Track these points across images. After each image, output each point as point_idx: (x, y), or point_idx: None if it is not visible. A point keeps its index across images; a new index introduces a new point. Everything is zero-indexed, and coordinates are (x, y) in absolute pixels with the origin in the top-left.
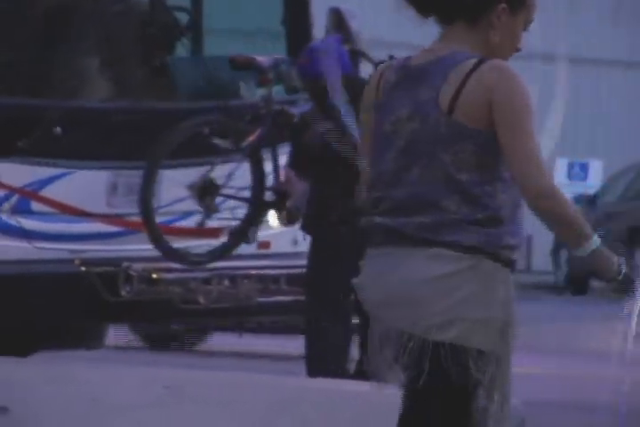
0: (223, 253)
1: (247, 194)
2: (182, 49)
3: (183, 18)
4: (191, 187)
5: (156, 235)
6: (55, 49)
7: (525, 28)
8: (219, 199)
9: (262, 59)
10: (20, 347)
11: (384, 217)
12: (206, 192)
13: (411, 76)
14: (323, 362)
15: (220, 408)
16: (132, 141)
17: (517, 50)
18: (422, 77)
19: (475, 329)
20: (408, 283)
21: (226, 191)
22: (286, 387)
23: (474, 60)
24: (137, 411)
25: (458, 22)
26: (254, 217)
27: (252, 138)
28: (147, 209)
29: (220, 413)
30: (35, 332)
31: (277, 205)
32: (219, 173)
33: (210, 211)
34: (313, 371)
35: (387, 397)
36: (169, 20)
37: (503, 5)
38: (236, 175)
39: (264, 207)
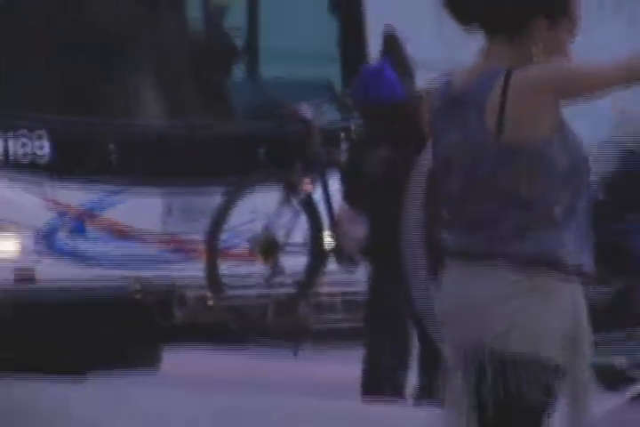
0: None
1: (307, 246)
2: (238, 71)
3: (239, 39)
4: (253, 242)
5: (213, 265)
6: (116, 72)
7: (570, 41)
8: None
9: (305, 108)
10: (78, 368)
11: (453, 235)
12: (269, 252)
13: (453, 100)
14: (379, 386)
15: None
16: (189, 164)
17: None
18: (465, 101)
19: (534, 337)
20: (472, 294)
21: (287, 248)
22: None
23: (503, 73)
24: None
25: (498, 36)
26: (316, 269)
27: (304, 188)
28: (214, 239)
29: None
30: (92, 354)
31: (336, 252)
32: (278, 224)
33: (275, 271)
34: (368, 395)
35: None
36: (226, 42)
37: (543, 18)
38: (294, 227)
39: (324, 257)
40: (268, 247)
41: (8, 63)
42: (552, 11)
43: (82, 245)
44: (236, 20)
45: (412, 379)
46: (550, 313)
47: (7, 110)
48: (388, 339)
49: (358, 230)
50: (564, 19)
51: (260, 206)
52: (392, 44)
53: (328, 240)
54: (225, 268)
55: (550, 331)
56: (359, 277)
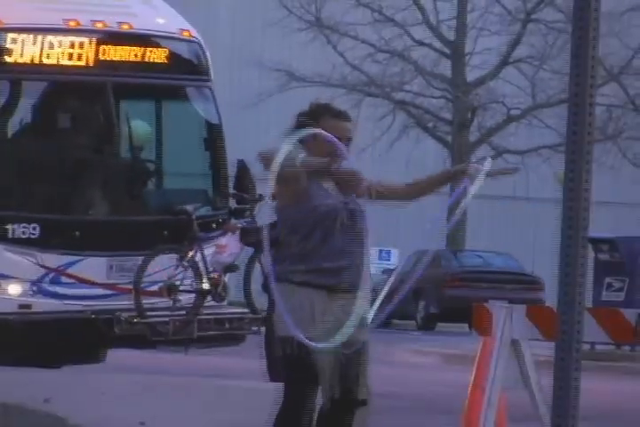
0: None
1: (193, 287)
2: (151, 184)
3: (152, 165)
4: (161, 285)
5: (138, 298)
6: (76, 186)
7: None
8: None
9: (189, 208)
10: (55, 362)
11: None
12: (171, 291)
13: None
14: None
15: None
16: (123, 241)
17: None
18: None
19: None
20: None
21: (181, 289)
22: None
23: None
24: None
25: None
26: (199, 300)
27: (190, 254)
28: (138, 283)
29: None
30: (64, 353)
31: (211, 291)
32: (175, 275)
33: (175, 302)
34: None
35: None
36: (144, 167)
37: None
38: (185, 276)
39: (204, 294)
40: (170, 288)
41: (18, 184)
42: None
43: (59, 288)
44: (149, 153)
45: None
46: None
47: (15, 212)
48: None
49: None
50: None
51: (164, 265)
52: (242, 167)
53: (205, 284)
54: (145, 300)
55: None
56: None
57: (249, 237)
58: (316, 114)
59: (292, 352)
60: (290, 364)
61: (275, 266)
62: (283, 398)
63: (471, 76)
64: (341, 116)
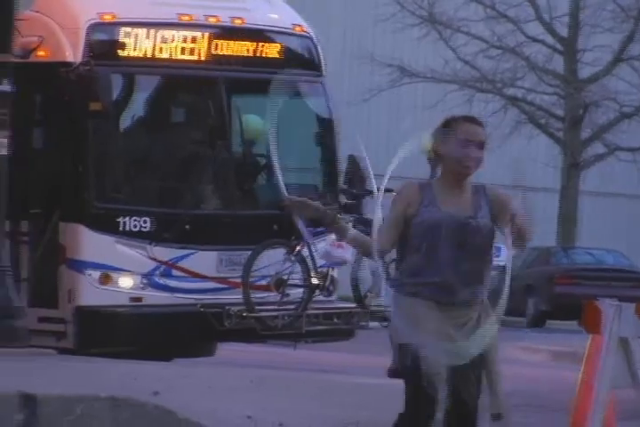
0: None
1: (301, 282)
2: (262, 179)
3: (263, 159)
4: (270, 280)
5: (247, 293)
6: (190, 180)
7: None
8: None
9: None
10: (165, 355)
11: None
12: (279, 285)
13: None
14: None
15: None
16: (233, 236)
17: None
18: None
19: None
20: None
21: (291, 283)
22: None
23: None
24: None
25: None
26: (307, 295)
27: (298, 248)
28: (246, 277)
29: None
30: (174, 346)
31: (320, 286)
32: (283, 269)
33: (284, 296)
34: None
35: None
36: (255, 161)
37: None
38: (293, 271)
39: (312, 289)
40: (279, 283)
41: (131, 177)
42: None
43: (169, 281)
44: (261, 147)
45: None
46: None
47: (128, 205)
48: None
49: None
50: (448, 144)
51: (272, 259)
52: (353, 163)
53: (313, 278)
54: (253, 294)
55: None
56: (334, 300)
57: (363, 228)
58: (450, 120)
59: (408, 361)
60: (407, 372)
61: (394, 277)
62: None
63: (584, 72)
64: (474, 120)
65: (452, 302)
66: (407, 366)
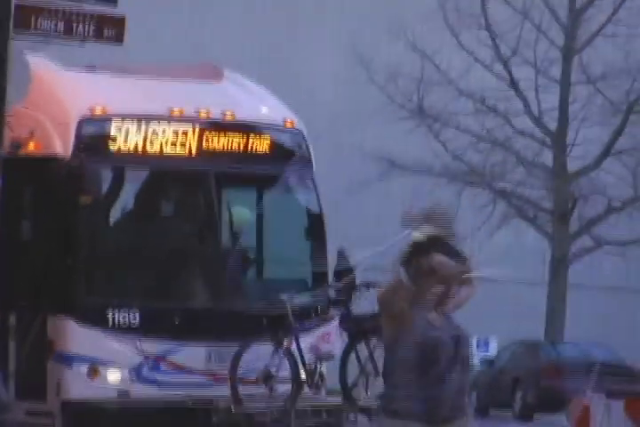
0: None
1: (289, 377)
2: (250, 273)
3: (252, 252)
4: (258, 375)
5: (235, 387)
6: (177, 272)
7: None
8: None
9: (284, 298)
10: None
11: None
12: (268, 380)
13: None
14: None
15: None
16: (221, 330)
17: None
18: None
19: None
20: None
21: (279, 378)
22: None
23: None
24: None
25: None
26: (296, 390)
27: (286, 343)
28: (234, 372)
29: None
30: None
31: (308, 381)
32: (271, 364)
33: (272, 391)
34: None
35: None
36: (243, 253)
37: None
38: (281, 366)
39: (300, 384)
40: (267, 377)
41: (120, 271)
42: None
43: (158, 376)
44: (249, 241)
45: None
46: None
47: (117, 299)
48: None
49: None
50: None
51: (260, 354)
52: (342, 255)
53: (302, 374)
54: (243, 390)
55: None
56: (322, 396)
57: (349, 323)
58: (427, 247)
59: None
60: None
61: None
62: None
63: (572, 166)
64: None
65: (441, 417)
66: None
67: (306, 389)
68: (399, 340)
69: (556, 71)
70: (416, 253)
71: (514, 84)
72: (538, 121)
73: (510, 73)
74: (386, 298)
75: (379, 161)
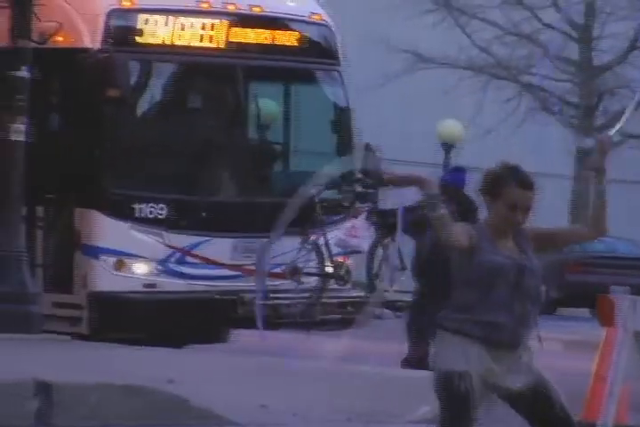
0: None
1: (316, 270)
2: (278, 165)
3: (280, 145)
4: (285, 267)
5: (261, 280)
6: (206, 169)
7: (513, 215)
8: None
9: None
10: (178, 342)
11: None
12: (294, 273)
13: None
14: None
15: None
16: (248, 222)
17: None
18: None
19: None
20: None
21: (306, 271)
22: None
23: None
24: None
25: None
26: (322, 283)
27: (313, 237)
28: (261, 265)
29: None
30: (187, 333)
31: (334, 275)
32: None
33: (298, 284)
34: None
35: None
36: (271, 147)
37: (486, 196)
38: (308, 259)
39: (327, 276)
40: (293, 271)
41: (147, 163)
42: (486, 193)
43: (183, 268)
44: (277, 135)
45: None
46: None
47: (144, 191)
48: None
49: None
50: (498, 199)
51: (287, 247)
52: (368, 151)
53: (328, 267)
54: (268, 282)
55: None
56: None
57: (376, 217)
58: (502, 180)
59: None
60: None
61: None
62: None
63: (599, 60)
64: (527, 185)
65: (499, 343)
66: (447, 391)
67: (332, 282)
68: (464, 262)
69: None
70: (496, 185)
71: None
72: (564, 13)
73: None
74: (446, 225)
75: (404, 54)
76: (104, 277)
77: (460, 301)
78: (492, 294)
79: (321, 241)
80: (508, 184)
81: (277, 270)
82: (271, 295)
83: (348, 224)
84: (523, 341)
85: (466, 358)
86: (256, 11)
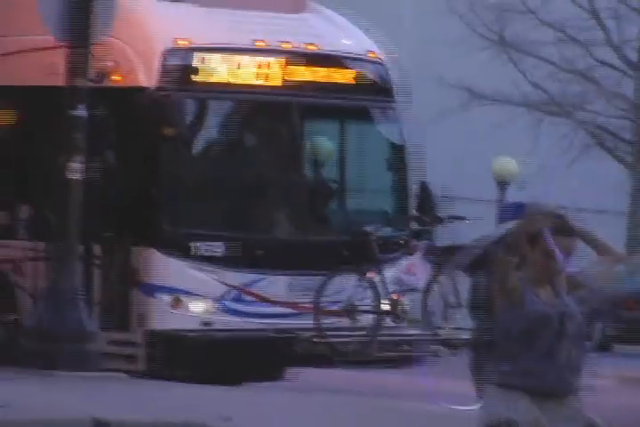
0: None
1: (372, 308)
2: (333, 204)
3: (335, 185)
4: (342, 305)
5: (318, 318)
6: (262, 207)
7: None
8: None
9: (368, 229)
10: (235, 380)
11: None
12: (350, 311)
13: None
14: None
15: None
16: (304, 260)
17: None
18: None
19: None
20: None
21: (362, 309)
22: None
23: None
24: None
25: None
26: (378, 321)
27: (369, 274)
28: (318, 303)
29: None
30: (244, 371)
31: (390, 312)
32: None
33: (354, 322)
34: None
35: None
36: (326, 187)
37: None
38: (365, 297)
39: (382, 315)
40: (350, 309)
41: (204, 202)
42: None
43: (240, 306)
44: (332, 173)
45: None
46: None
47: (200, 229)
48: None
49: None
50: (535, 248)
51: (344, 285)
52: (424, 189)
53: (384, 305)
54: (324, 320)
55: None
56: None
57: (433, 254)
58: (538, 229)
59: None
60: None
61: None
62: None
63: None
64: (565, 231)
65: (547, 392)
66: None
67: (388, 320)
68: (508, 313)
69: (637, 0)
70: (534, 235)
71: (595, 13)
72: (618, 51)
73: (591, 2)
74: (501, 272)
75: (458, 91)
76: (161, 316)
77: (504, 352)
78: (537, 343)
79: (377, 279)
80: (545, 232)
81: (334, 308)
82: (327, 333)
83: (404, 261)
84: (572, 388)
85: (513, 409)
86: (311, 48)
